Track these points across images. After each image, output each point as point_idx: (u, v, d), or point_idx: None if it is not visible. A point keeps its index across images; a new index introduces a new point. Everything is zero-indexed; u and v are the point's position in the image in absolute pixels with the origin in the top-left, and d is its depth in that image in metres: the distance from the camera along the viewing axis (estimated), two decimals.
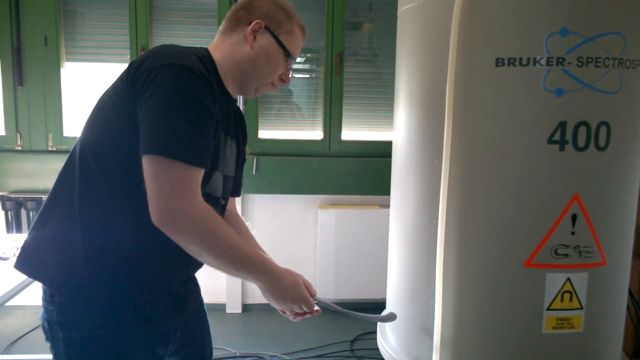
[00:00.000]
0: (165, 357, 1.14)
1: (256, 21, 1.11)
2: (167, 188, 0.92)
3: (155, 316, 1.09)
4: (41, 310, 1.06)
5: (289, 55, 1.15)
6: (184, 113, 0.93)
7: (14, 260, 1.83)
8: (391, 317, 1.45)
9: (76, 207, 1.01)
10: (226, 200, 1.23)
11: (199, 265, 1.19)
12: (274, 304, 1.12)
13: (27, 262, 1.06)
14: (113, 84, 1.02)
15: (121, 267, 1.02)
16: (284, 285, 1.08)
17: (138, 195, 0.97)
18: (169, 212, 0.92)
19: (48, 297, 1.04)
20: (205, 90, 0.97)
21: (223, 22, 1.17)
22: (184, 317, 1.18)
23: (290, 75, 1.21)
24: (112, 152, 0.99)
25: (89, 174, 1.01)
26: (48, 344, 1.06)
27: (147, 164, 0.93)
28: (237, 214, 1.40)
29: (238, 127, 1.24)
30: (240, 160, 1.29)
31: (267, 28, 1.12)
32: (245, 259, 1.02)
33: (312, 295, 1.16)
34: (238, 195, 1.36)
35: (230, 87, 1.14)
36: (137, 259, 1.03)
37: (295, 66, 3.35)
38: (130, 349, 1.05)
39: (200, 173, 0.96)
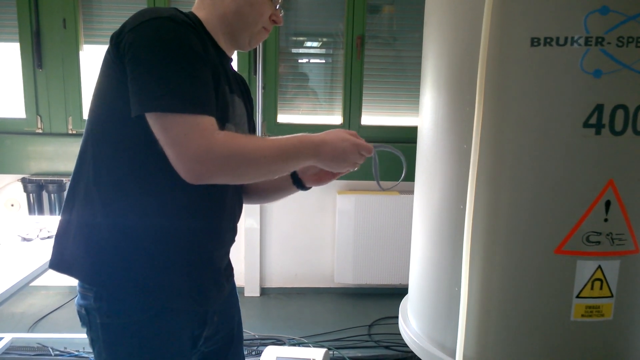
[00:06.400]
0: (200, 340, 1.12)
1: None
2: (180, 139, 0.88)
3: (197, 297, 1.06)
4: (77, 296, 1.04)
5: None
6: (173, 61, 0.89)
7: (37, 241, 1.87)
8: None
9: (95, 193, 0.98)
10: None
11: (235, 232, 1.17)
12: (336, 168, 1.05)
13: (59, 259, 1.04)
14: (102, 62, 0.99)
15: (158, 249, 0.99)
16: (335, 144, 1.02)
17: (159, 166, 0.94)
18: (194, 160, 0.88)
19: (85, 284, 1.01)
20: (191, 36, 0.92)
21: None
22: (224, 296, 1.16)
23: (281, 14, 1.13)
24: (118, 126, 0.96)
25: (102, 156, 0.98)
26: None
27: (152, 122, 0.90)
28: None
29: (242, 88, 1.19)
30: (251, 126, 1.24)
31: None
32: (284, 149, 0.97)
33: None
34: None
35: (223, 45, 1.09)
36: (175, 237, 1.00)
37: (311, 50, 3.32)
38: (169, 334, 1.03)
39: (207, 119, 0.91)
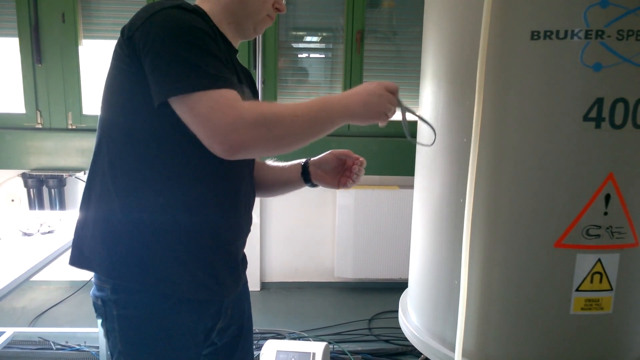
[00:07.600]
0: (213, 333, 1.12)
1: None
2: (208, 114, 0.88)
3: (215, 288, 1.07)
4: (92, 287, 1.04)
5: None
6: (186, 44, 0.89)
7: (37, 235, 1.87)
8: None
9: (111, 187, 0.98)
10: None
11: (250, 221, 1.17)
12: (373, 116, 1.02)
13: (78, 256, 1.04)
14: (113, 56, 0.99)
15: (175, 241, 0.99)
16: (362, 92, 1.00)
17: (174, 159, 0.95)
18: (226, 131, 0.87)
19: (103, 277, 1.02)
20: (200, 20, 0.94)
21: None
22: (240, 288, 1.16)
23: (284, 2, 1.14)
24: (132, 119, 0.96)
25: (117, 151, 0.98)
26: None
27: (177, 105, 0.90)
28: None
29: (249, 81, 1.20)
30: None
31: None
32: (314, 107, 0.96)
33: None
34: None
35: (229, 36, 1.09)
36: (192, 229, 1.00)
37: (311, 45, 3.31)
38: (184, 326, 1.03)
39: (230, 92, 0.91)
